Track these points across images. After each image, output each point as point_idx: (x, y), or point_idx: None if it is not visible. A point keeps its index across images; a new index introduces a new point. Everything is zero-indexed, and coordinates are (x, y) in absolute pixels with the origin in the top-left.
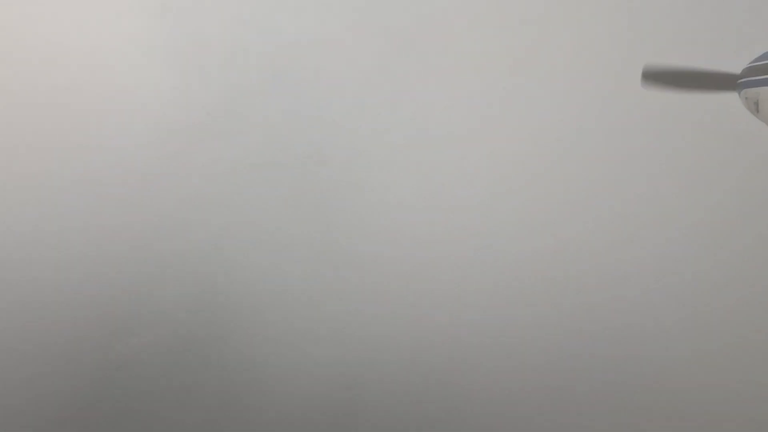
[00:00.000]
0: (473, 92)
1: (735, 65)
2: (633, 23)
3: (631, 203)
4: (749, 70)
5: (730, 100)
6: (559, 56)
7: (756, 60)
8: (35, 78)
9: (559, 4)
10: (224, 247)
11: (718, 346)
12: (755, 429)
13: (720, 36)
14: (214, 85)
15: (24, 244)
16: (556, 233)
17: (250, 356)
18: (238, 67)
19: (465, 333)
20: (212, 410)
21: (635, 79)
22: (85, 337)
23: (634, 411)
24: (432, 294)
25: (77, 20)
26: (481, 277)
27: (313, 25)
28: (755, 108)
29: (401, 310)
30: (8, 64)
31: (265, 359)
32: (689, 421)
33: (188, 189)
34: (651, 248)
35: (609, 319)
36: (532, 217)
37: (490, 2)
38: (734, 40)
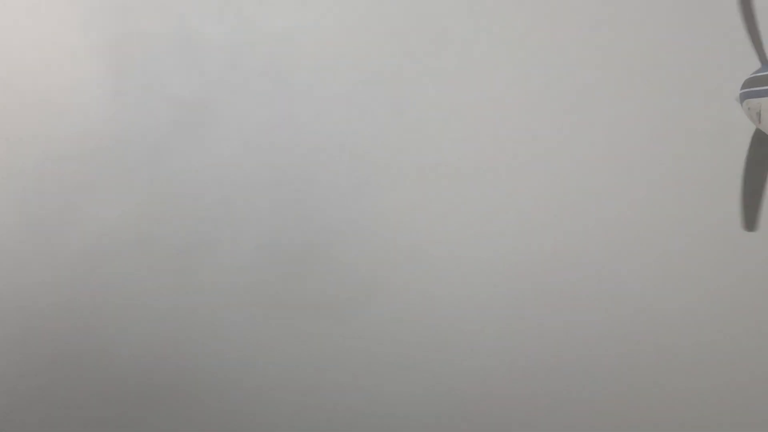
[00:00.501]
0: (477, 94)
1: (738, 76)
2: (638, 32)
3: (637, 208)
4: (751, 81)
5: (734, 109)
6: (564, 58)
7: (758, 71)
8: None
9: (569, 8)
10: (215, 249)
11: (720, 348)
12: None
13: (723, 47)
14: (212, 84)
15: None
16: (563, 235)
17: (242, 363)
18: (238, 67)
19: (469, 336)
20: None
21: (642, 83)
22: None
23: (636, 413)
24: (436, 297)
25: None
26: (487, 279)
27: (312, 21)
28: (757, 118)
29: (403, 313)
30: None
31: (258, 369)
32: (687, 424)
33: (183, 188)
34: (656, 252)
35: (615, 323)
36: (538, 220)
37: (498, 5)
38: (738, 50)
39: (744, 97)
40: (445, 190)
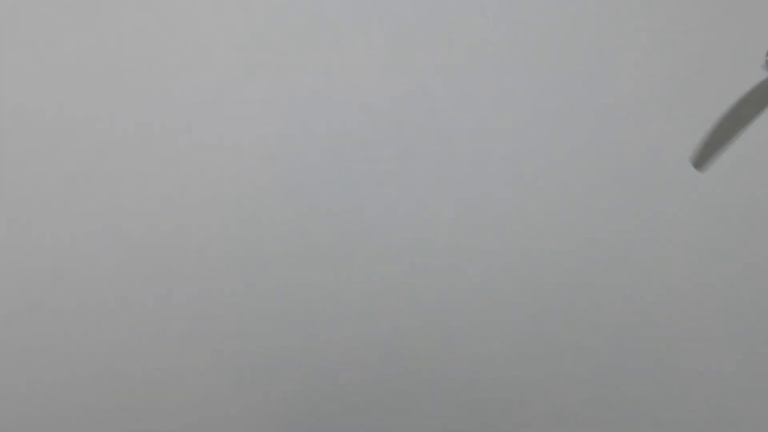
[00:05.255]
0: (486, 89)
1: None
2: (644, 29)
3: (651, 201)
4: None
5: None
6: (574, 52)
7: None
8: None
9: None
10: (228, 249)
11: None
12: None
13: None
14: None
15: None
16: (574, 233)
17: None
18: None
19: (482, 334)
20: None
21: (656, 77)
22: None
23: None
24: (451, 297)
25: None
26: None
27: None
28: None
29: (416, 313)
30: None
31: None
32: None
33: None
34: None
35: (626, 322)
36: (548, 217)
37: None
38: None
39: None
40: (459, 185)
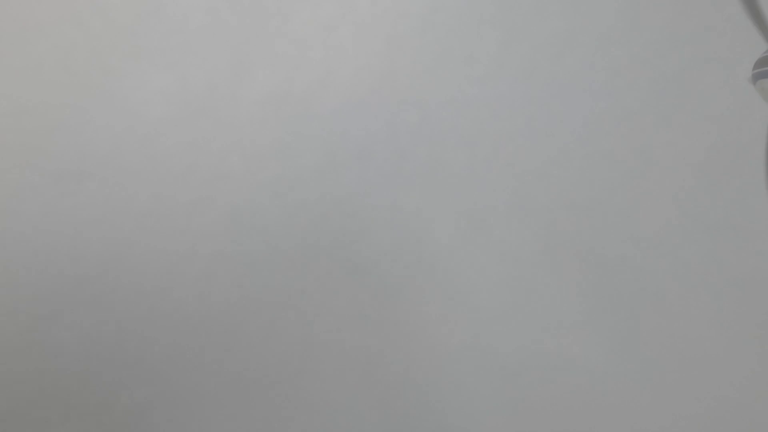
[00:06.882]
0: (484, 94)
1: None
2: (642, 21)
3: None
4: (763, 61)
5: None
6: (569, 58)
7: None
8: None
9: (570, 4)
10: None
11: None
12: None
13: (730, 29)
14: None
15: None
16: (579, 235)
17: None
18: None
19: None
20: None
21: (647, 76)
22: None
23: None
24: (449, 309)
25: None
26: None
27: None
28: None
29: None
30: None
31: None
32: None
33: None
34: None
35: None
36: (546, 221)
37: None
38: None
39: (756, 77)
40: (457, 190)
